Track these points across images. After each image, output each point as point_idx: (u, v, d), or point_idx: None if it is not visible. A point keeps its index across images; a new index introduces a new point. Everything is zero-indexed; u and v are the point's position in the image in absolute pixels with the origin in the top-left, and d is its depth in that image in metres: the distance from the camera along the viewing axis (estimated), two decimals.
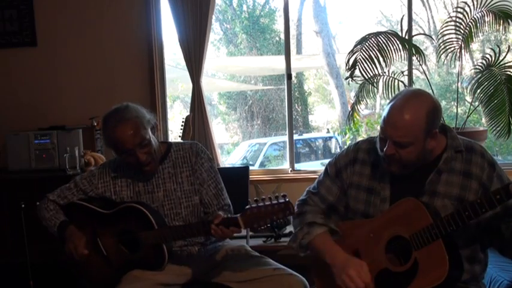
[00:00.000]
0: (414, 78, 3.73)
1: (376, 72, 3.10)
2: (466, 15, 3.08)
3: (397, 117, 1.56)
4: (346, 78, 3.24)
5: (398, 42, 3.05)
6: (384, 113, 1.61)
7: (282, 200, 1.68)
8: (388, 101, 1.67)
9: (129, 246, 1.98)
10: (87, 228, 2.03)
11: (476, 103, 3.16)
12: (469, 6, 3.08)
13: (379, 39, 3.06)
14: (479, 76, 3.03)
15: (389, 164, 1.63)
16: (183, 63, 3.58)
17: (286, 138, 3.86)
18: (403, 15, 3.35)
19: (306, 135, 8.09)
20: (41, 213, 2.10)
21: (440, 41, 3.16)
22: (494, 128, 2.97)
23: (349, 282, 1.59)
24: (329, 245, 1.73)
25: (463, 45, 3.09)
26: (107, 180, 2.08)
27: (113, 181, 2.08)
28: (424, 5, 8.13)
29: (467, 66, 5.92)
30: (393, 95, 1.93)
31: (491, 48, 3.10)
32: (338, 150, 7.45)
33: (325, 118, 9.01)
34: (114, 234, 2.00)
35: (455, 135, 1.68)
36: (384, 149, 1.60)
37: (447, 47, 3.14)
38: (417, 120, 1.54)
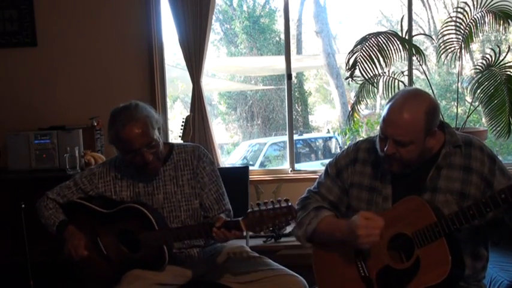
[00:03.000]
0: (414, 78, 3.73)
1: (376, 72, 3.10)
2: (466, 16, 3.08)
3: (397, 117, 1.56)
4: (346, 78, 3.24)
5: (398, 42, 3.05)
6: (383, 113, 1.61)
7: (284, 204, 1.66)
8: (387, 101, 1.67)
9: (129, 245, 1.98)
10: (87, 227, 2.03)
11: (476, 103, 3.16)
12: (469, 6, 3.08)
13: (379, 39, 3.05)
14: (479, 76, 3.03)
15: (390, 164, 1.63)
16: (183, 63, 3.58)
17: (286, 138, 3.85)
18: (403, 15, 3.36)
19: (306, 135, 8.08)
20: (40, 211, 2.08)
21: (440, 41, 3.16)
22: (494, 128, 2.98)
23: (365, 238, 1.55)
24: (337, 222, 1.72)
25: (463, 45, 3.09)
26: (107, 180, 2.07)
27: (113, 181, 2.06)
28: (424, 5, 8.12)
29: (468, 66, 5.93)
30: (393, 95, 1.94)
31: (491, 48, 3.11)
32: (338, 150, 7.44)
33: (325, 118, 9.01)
34: (114, 233, 1.99)
35: (453, 131, 1.68)
36: (385, 149, 1.60)
37: (447, 47, 3.14)
38: (417, 119, 1.55)
